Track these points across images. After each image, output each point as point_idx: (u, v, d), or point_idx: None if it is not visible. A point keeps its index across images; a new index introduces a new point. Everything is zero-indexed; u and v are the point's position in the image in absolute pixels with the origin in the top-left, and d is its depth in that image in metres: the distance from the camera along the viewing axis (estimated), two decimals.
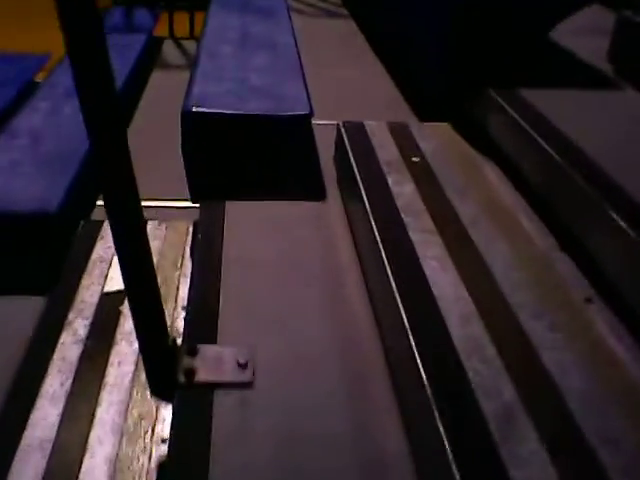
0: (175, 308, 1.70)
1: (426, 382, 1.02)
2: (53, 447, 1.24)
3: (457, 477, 0.88)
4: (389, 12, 3.00)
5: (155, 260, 1.82)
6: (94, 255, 1.88)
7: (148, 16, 4.29)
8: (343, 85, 2.78)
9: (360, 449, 1.09)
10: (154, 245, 1.92)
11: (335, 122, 2.04)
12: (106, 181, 1.11)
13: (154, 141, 2.62)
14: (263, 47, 2.64)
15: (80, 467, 1.20)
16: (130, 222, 1.13)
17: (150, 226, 2.01)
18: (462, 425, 0.95)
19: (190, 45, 4.39)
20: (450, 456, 0.90)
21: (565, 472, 0.89)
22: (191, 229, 2.00)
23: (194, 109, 1.90)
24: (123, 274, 1.13)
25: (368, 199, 1.55)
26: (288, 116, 1.94)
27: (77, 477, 1.18)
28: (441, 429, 0.94)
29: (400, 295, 1.18)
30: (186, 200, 2.11)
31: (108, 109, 1.06)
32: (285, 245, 1.67)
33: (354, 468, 1.07)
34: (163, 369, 1.19)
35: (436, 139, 1.84)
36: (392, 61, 2.88)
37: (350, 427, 1.13)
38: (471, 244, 1.33)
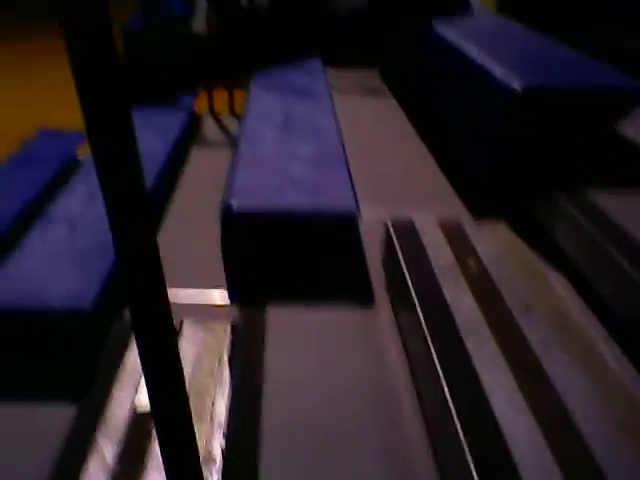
0: (211, 424, 1.58)
1: None
2: None
3: None
4: (433, 91, 2.93)
5: (190, 367, 1.71)
6: (127, 360, 1.77)
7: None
8: (387, 169, 2.69)
9: None
10: (190, 349, 1.81)
11: (382, 217, 1.93)
12: (131, 285, 0.99)
13: (195, 223, 2.55)
14: (305, 132, 2.58)
15: None
16: (158, 331, 1.01)
17: (187, 325, 1.91)
18: None
19: (229, 121, 4.40)
20: None
21: None
22: (229, 330, 1.89)
23: (235, 207, 1.82)
24: (149, 391, 1.01)
25: (422, 312, 1.42)
26: (333, 215, 1.84)
27: None
28: None
29: (469, 449, 1.04)
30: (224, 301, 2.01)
31: (137, 212, 0.95)
32: (330, 357, 1.54)
33: None
34: None
35: (493, 241, 1.71)
36: (437, 145, 2.79)
37: None
38: (543, 378, 1.19)
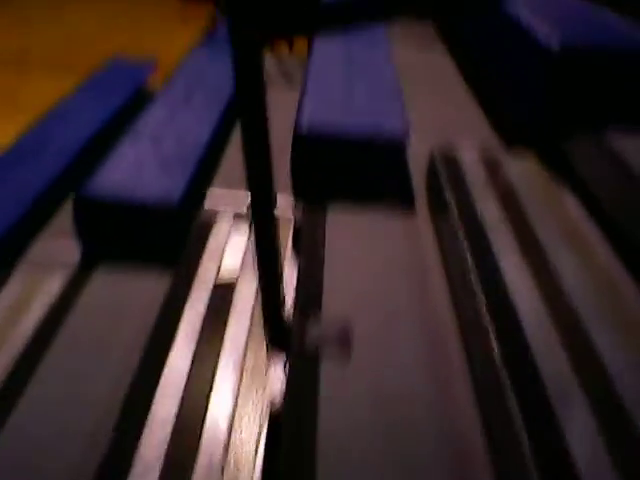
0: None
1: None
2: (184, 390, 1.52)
3: None
4: (485, 45, 3.22)
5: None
6: (208, 245, 2.16)
7: None
8: (436, 111, 3.01)
9: None
10: None
11: (428, 145, 2.28)
12: (251, 177, 1.37)
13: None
14: (366, 70, 2.91)
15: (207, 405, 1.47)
16: (267, 211, 1.38)
17: None
18: None
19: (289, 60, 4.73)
20: None
21: None
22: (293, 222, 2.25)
23: (305, 132, 2.18)
24: (257, 252, 1.39)
25: (459, 216, 1.78)
26: (386, 138, 2.19)
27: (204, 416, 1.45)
28: None
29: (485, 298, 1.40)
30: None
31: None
32: (380, 248, 1.91)
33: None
34: (280, 326, 1.45)
35: (521, 165, 2.04)
36: (485, 90, 3.09)
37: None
38: (547, 263, 1.54)
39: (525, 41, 2.26)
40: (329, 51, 3.21)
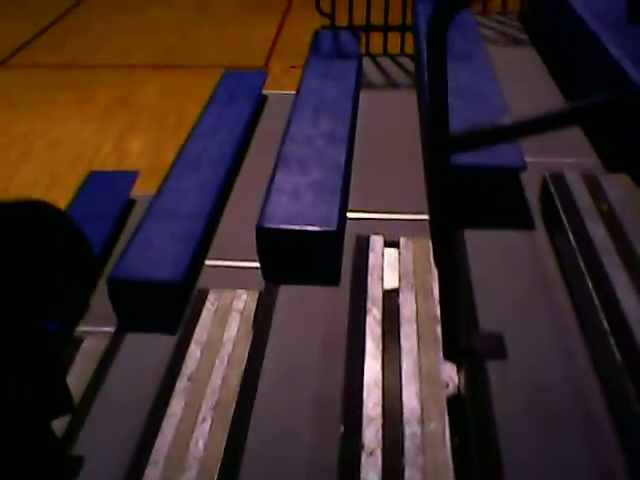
0: None
1: None
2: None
3: None
4: (577, 51, 3.62)
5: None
6: (370, 262, 2.76)
7: (352, 39, 5.11)
8: None
9: None
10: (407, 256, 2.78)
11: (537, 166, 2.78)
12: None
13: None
14: (469, 96, 3.38)
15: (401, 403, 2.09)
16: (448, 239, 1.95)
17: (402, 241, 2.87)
18: None
19: (385, 61, 5.19)
20: None
21: None
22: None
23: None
24: (440, 271, 1.97)
25: (573, 237, 2.32)
26: (503, 167, 2.72)
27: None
28: None
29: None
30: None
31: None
32: (501, 262, 2.47)
33: None
34: (455, 339, 2.04)
35: (620, 189, 2.53)
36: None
37: None
38: None
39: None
40: None
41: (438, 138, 1.68)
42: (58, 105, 6.96)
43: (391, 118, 4.17)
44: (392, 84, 4.80)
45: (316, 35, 5.14)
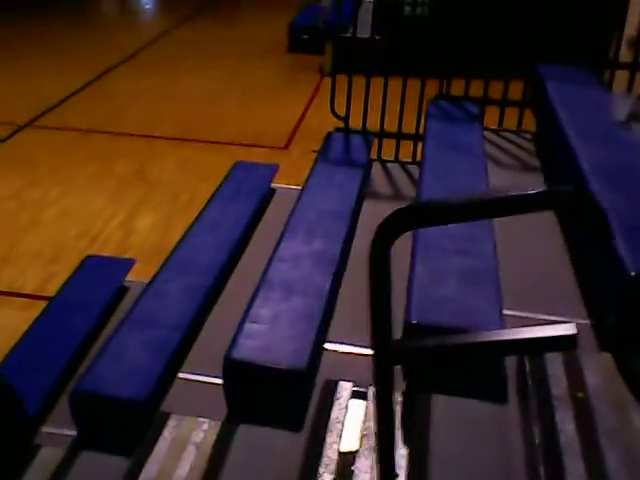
0: None
1: None
2: None
3: None
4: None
5: None
6: (332, 414, 2.64)
7: (363, 145, 5.10)
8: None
9: None
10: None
11: None
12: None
13: None
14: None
15: None
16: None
17: None
18: None
19: (395, 168, 5.16)
20: None
21: None
22: None
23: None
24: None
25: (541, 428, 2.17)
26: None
27: None
28: None
29: None
30: None
31: None
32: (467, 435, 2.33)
33: None
34: None
35: (599, 372, 2.39)
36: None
37: None
38: None
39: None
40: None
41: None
42: (76, 173, 7.06)
43: None
44: (398, 195, 4.75)
45: (327, 137, 5.15)
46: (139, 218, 6.19)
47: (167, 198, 6.56)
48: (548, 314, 2.95)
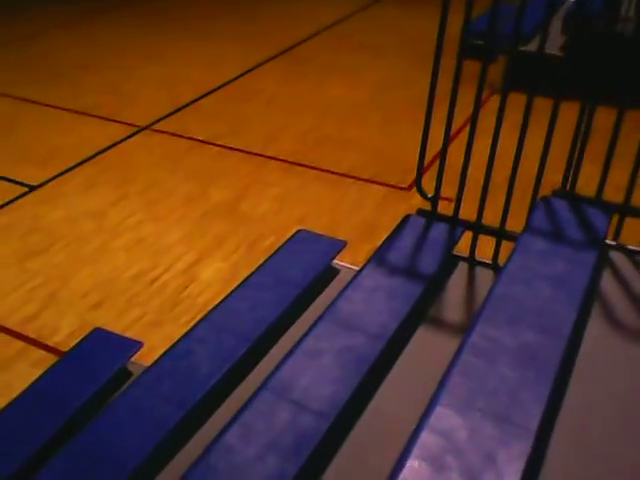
0: None
1: None
2: None
3: None
4: None
5: None
6: None
7: (443, 239, 3.91)
8: None
9: None
10: None
11: None
12: None
13: None
14: None
15: None
16: None
17: None
18: None
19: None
20: None
21: None
22: None
23: None
24: None
25: None
26: None
27: None
28: None
29: None
30: None
31: None
32: None
33: None
34: None
35: None
36: None
37: None
38: None
39: None
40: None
41: None
42: (168, 194, 6.56)
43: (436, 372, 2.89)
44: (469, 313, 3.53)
45: (403, 221, 4.02)
46: (207, 264, 5.52)
47: (248, 240, 5.82)
48: None
